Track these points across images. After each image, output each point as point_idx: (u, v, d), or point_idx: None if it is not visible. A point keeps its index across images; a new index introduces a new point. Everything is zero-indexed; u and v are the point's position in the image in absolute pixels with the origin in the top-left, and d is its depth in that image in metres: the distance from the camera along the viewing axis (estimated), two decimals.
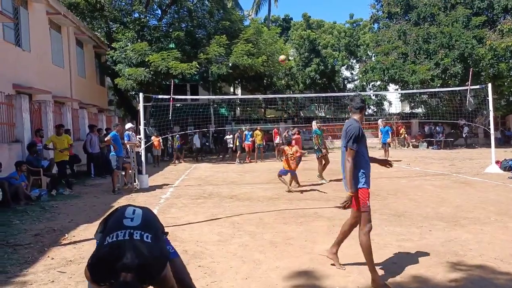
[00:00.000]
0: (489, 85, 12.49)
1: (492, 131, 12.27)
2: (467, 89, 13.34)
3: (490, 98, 12.22)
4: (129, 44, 18.49)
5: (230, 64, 18.37)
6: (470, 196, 7.94)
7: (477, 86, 14.54)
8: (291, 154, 9.35)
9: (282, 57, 10.65)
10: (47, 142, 10.56)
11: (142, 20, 19.83)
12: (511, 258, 4.20)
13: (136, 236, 1.90)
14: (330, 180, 10.81)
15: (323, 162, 10.90)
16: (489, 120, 12.42)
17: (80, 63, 18.76)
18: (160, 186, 10.88)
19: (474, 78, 16.54)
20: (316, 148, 10.86)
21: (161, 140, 17.96)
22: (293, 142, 10.45)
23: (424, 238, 5.11)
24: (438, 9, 23.23)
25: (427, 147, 24.14)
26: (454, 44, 21.34)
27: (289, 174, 9.46)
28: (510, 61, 21.51)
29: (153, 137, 16.88)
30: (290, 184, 9.45)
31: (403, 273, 3.88)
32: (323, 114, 33.39)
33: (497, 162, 11.99)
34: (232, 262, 4.40)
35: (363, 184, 3.71)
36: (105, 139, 10.92)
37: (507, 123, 28.09)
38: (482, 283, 3.63)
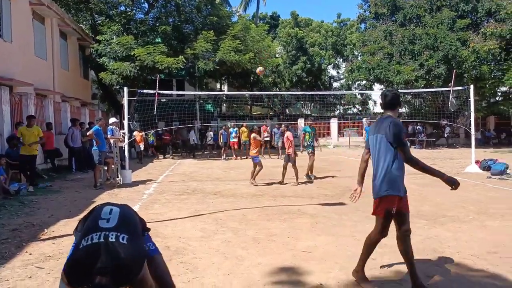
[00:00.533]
0: (471, 86, 12.75)
1: (472, 131, 12.53)
2: (450, 90, 13.59)
3: (471, 99, 12.47)
4: (114, 37, 18.20)
5: (217, 60, 18.27)
6: (450, 195, 8.00)
7: (460, 88, 14.83)
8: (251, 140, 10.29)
9: (259, 69, 10.49)
10: (18, 135, 9.74)
11: (129, 13, 19.56)
12: (487, 256, 4.31)
13: (112, 238, 1.87)
14: (316, 178, 10.90)
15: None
16: (470, 121, 12.68)
17: (63, 56, 18.38)
18: (143, 182, 10.78)
19: (457, 79, 16.84)
20: (308, 144, 10.85)
21: (144, 135, 17.68)
22: (285, 139, 10.41)
23: None
24: (424, 10, 23.56)
25: (410, 146, 24.50)
26: (438, 45, 21.69)
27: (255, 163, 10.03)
28: (492, 63, 21.98)
29: (135, 132, 16.47)
30: (253, 176, 10.01)
31: (382, 269, 3.94)
32: (309, 112, 33.59)
33: (477, 162, 12.26)
34: (214, 258, 4.40)
35: (393, 191, 3.35)
36: (87, 133, 10.74)
37: (488, 124, 28.74)
38: (458, 279, 3.71)
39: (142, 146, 17.52)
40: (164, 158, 18.87)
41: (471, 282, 3.64)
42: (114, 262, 1.79)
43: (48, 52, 16.37)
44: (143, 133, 17.26)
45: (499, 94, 25.92)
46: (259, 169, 9.98)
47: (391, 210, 3.36)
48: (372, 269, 3.94)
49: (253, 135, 10.57)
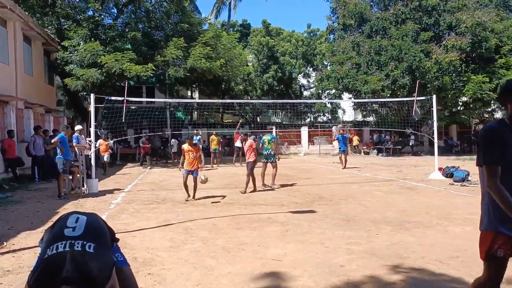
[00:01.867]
0: (434, 96, 13.28)
1: (436, 140, 13.03)
2: (414, 100, 14.10)
3: (434, 109, 12.98)
4: (81, 42, 17.73)
5: (188, 67, 18.15)
6: (415, 201, 8.37)
7: (423, 98, 15.41)
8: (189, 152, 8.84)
9: (202, 178, 9.23)
10: None
11: (97, 18, 19.13)
12: (450, 260, 4.46)
13: (78, 247, 1.81)
14: (280, 185, 10.97)
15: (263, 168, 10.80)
16: (434, 130, 13.19)
17: (27, 61, 17.69)
18: (110, 191, 10.48)
19: (420, 89, 17.49)
20: (269, 153, 10.68)
21: (110, 144, 16.29)
22: (248, 147, 10.34)
23: (371, 241, 5.31)
24: (390, 23, 24.41)
25: (377, 154, 25.19)
26: (403, 57, 22.49)
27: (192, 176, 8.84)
28: (453, 75, 23.02)
29: (100, 140, 14.96)
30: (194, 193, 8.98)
31: (350, 275, 4.00)
32: (280, 120, 33.90)
33: (440, 169, 12.74)
34: (183, 268, 4.32)
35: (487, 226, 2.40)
36: (52, 141, 10.36)
37: (450, 133, 29.96)
38: (422, 284, 3.83)
39: (107, 157, 15.76)
40: (148, 167, 17.81)
41: (434, 287, 3.76)
42: (80, 271, 1.74)
43: (11, 57, 15.71)
44: (109, 141, 16.35)
45: (460, 104, 27.12)
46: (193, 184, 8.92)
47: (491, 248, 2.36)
48: (340, 276, 4.00)
49: (184, 145, 9.18)
